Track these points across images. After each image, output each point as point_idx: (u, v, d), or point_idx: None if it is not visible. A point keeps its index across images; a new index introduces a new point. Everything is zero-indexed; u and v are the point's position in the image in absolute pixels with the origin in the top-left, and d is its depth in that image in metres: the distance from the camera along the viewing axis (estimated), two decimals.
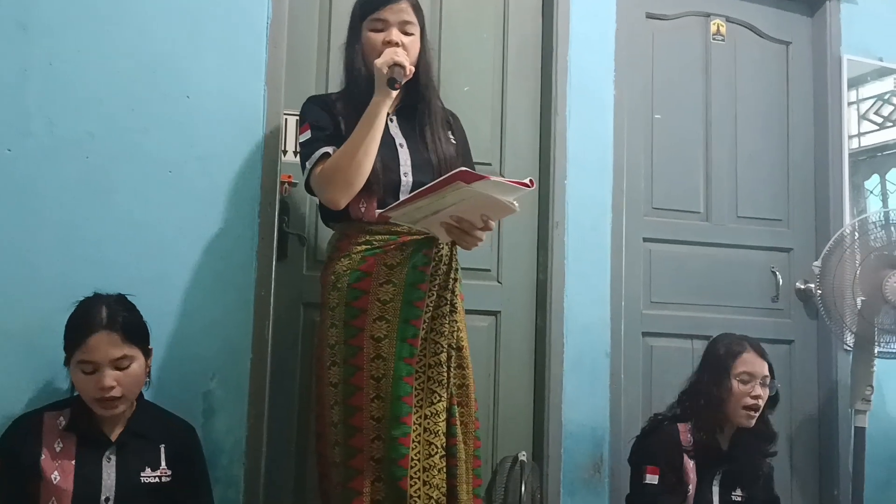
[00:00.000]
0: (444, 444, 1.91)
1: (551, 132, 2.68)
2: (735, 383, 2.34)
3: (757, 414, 2.33)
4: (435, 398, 1.90)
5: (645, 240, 2.87)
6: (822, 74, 3.14)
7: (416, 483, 1.83)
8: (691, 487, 2.32)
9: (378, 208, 1.93)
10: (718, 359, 2.39)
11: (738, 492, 2.38)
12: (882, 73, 3.27)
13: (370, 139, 1.88)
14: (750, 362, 2.36)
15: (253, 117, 2.31)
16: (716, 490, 2.36)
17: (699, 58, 3.02)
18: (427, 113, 2.04)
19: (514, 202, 1.78)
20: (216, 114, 2.28)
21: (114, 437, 1.89)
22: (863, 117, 3.29)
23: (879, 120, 3.36)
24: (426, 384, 1.90)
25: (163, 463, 1.91)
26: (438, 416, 1.89)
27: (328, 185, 1.91)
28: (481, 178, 1.69)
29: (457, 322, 1.99)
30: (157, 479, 1.89)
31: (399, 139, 2.00)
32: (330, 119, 1.98)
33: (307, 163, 1.96)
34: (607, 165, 2.77)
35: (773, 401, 2.40)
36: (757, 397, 2.32)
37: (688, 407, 2.38)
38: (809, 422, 3.04)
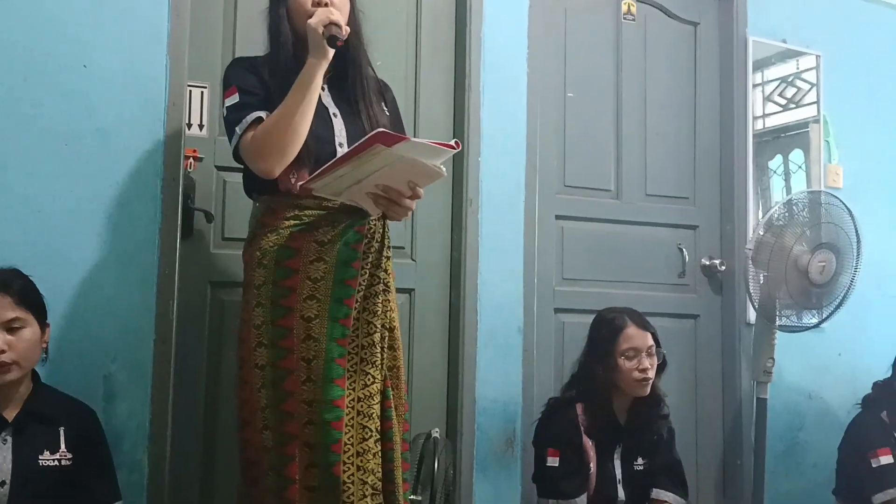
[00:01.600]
0: (379, 428, 1.86)
1: (465, 109, 2.67)
2: (622, 361, 2.35)
3: (649, 383, 2.36)
4: (368, 380, 1.85)
5: (557, 217, 2.90)
6: (729, 55, 3.22)
7: (349, 468, 1.79)
8: (592, 465, 2.35)
9: None
10: (602, 338, 2.40)
11: (640, 461, 2.43)
12: (786, 55, 3.38)
13: (306, 103, 1.78)
14: (633, 336, 2.37)
15: (155, 89, 2.21)
16: (617, 464, 2.40)
17: (610, 37, 3.05)
18: (359, 80, 1.95)
19: (441, 166, 1.73)
20: (116, 85, 2.18)
21: (10, 417, 1.80)
22: (767, 99, 3.39)
23: (783, 102, 3.47)
24: (359, 366, 1.85)
25: (62, 446, 1.83)
26: (372, 399, 1.84)
27: (261, 153, 1.80)
28: (401, 139, 1.62)
29: (389, 301, 1.94)
30: (56, 463, 1.81)
31: (332, 108, 1.92)
32: (259, 83, 1.87)
33: (237, 128, 1.83)
34: (520, 143, 2.78)
35: (659, 368, 2.41)
36: (645, 370, 2.34)
37: (580, 389, 2.40)
38: (714, 394, 3.14)
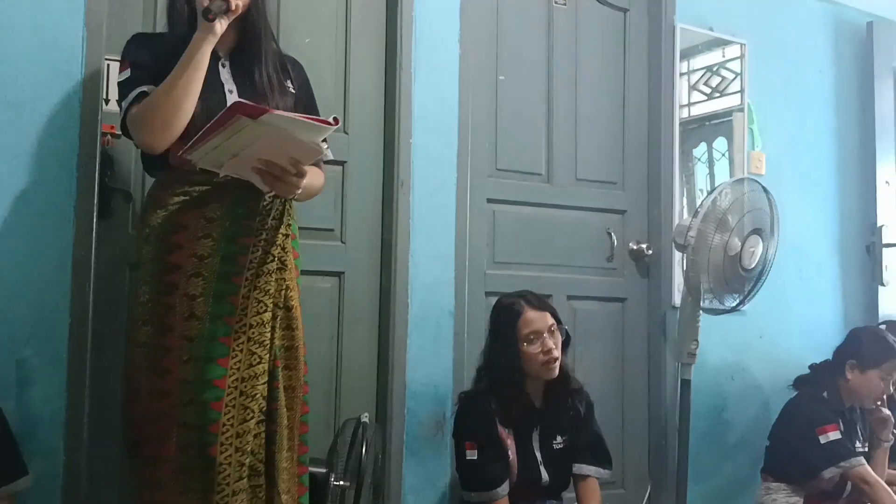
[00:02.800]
0: (264, 409, 1.82)
1: (396, 89, 2.64)
2: (525, 346, 2.31)
3: (557, 364, 2.33)
4: (255, 360, 1.80)
5: (489, 200, 2.89)
6: (657, 42, 3.26)
7: (227, 449, 1.74)
8: (511, 453, 2.34)
9: None
10: (502, 327, 2.36)
11: (559, 439, 2.42)
12: (712, 44, 3.44)
13: (189, 78, 1.75)
14: (532, 320, 2.32)
15: (71, 62, 2.12)
16: (536, 446, 2.39)
17: (542, 21, 3.05)
18: (257, 55, 1.91)
19: (322, 143, 1.70)
20: (29, 57, 2.07)
21: None
22: (693, 88, 3.45)
23: (708, 90, 3.54)
24: (246, 345, 1.79)
25: None
26: (257, 379, 1.80)
27: (143, 127, 1.78)
28: (262, 110, 1.58)
29: (286, 281, 1.89)
30: None
31: (229, 85, 1.88)
32: (152, 58, 1.84)
33: (123, 102, 1.82)
34: (453, 125, 2.76)
35: (564, 344, 2.38)
36: (549, 350, 2.31)
37: (490, 380, 2.37)
38: (639, 376, 3.19)
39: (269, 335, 1.83)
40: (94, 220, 2.12)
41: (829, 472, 2.74)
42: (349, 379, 2.56)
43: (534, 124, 3.02)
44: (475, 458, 2.30)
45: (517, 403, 2.36)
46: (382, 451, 2.39)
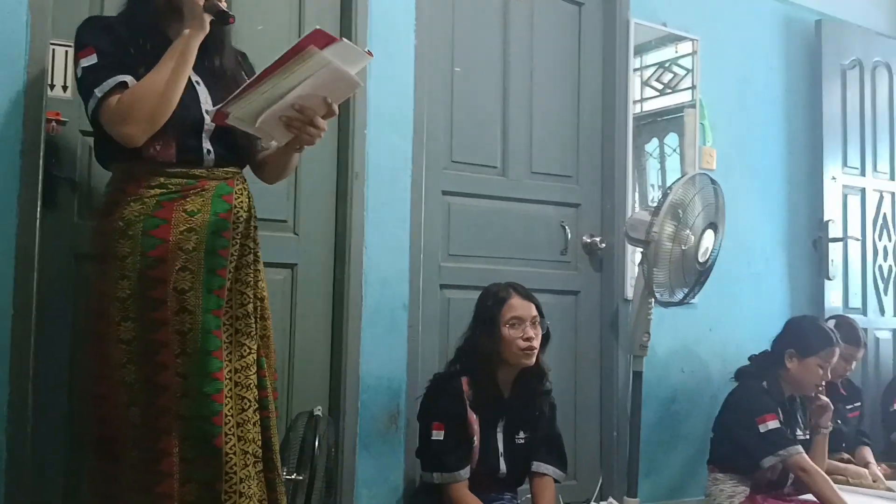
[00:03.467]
0: (257, 397, 1.85)
1: None
2: (506, 330, 2.37)
3: (534, 353, 2.39)
4: (245, 351, 1.84)
5: (444, 193, 2.89)
6: (612, 37, 3.28)
7: (231, 439, 1.76)
8: (476, 439, 2.37)
9: (177, 150, 1.79)
10: (487, 310, 2.42)
11: (521, 434, 2.46)
12: (665, 40, 3.48)
13: (179, 73, 1.75)
14: (517, 307, 2.40)
15: (14, 47, 2.05)
16: (500, 437, 2.43)
17: (498, 14, 3.05)
18: (219, 47, 1.91)
19: (357, 77, 1.73)
20: None
21: None
22: (645, 83, 3.49)
23: (660, 87, 3.58)
24: (235, 337, 1.83)
25: None
26: (249, 370, 1.84)
27: (128, 119, 1.73)
28: (334, 39, 1.60)
29: (260, 272, 1.93)
30: None
31: (195, 77, 1.86)
32: (116, 43, 1.79)
33: (96, 90, 1.75)
34: (408, 117, 2.74)
35: (544, 339, 2.45)
36: (529, 338, 2.37)
37: (466, 362, 2.41)
38: (592, 368, 3.22)
39: (254, 326, 1.86)
40: (39, 209, 2.05)
41: (769, 461, 2.79)
42: (302, 372, 2.53)
43: (489, 117, 3.02)
44: (441, 438, 2.32)
45: (488, 388, 2.39)
46: (335, 445, 2.37)
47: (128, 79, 1.76)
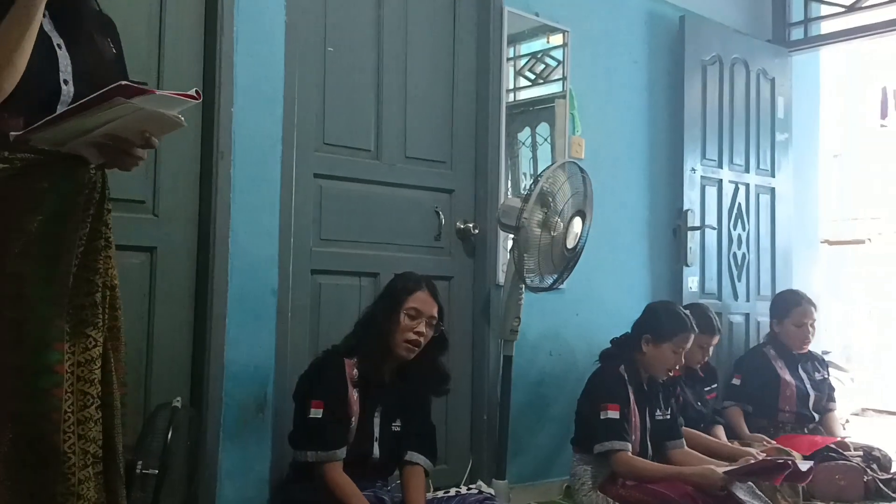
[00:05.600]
0: (100, 393, 1.70)
1: (216, 55, 2.50)
2: (403, 317, 2.39)
3: (417, 349, 2.41)
4: (90, 343, 1.67)
5: (316, 176, 2.82)
6: (486, 24, 3.29)
7: (70, 438, 1.61)
8: (354, 419, 2.35)
9: (28, 120, 1.58)
10: (394, 292, 2.45)
11: (398, 422, 2.46)
12: (538, 31, 3.52)
13: (27, 35, 1.54)
14: (421, 300, 2.42)
15: None
16: (376, 421, 2.42)
17: None
18: (79, 9, 1.73)
19: (180, 116, 1.58)
20: None
21: None
22: (518, 73, 3.53)
23: (532, 77, 3.63)
24: (79, 328, 1.66)
25: None
26: (93, 363, 1.67)
27: None
28: (145, 92, 1.47)
29: (110, 258, 1.76)
30: None
31: (56, 39, 1.67)
32: None
33: None
34: (278, 96, 2.66)
35: (440, 343, 2.50)
36: (420, 334, 2.39)
37: (360, 336, 2.42)
38: (464, 353, 3.24)
39: (101, 316, 1.70)
40: None
41: (598, 448, 2.87)
42: (161, 361, 2.42)
43: (363, 100, 2.96)
44: (319, 416, 2.29)
45: (373, 370, 2.38)
46: (196, 436, 2.27)
47: None
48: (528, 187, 3.01)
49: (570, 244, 2.93)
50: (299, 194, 2.73)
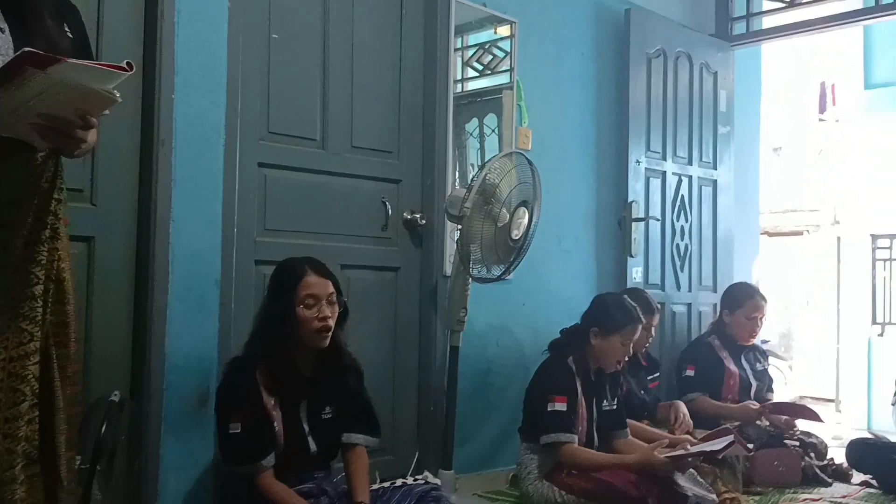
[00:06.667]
0: (36, 390, 1.63)
1: (157, 40, 2.44)
2: (301, 310, 2.27)
3: (329, 333, 2.31)
4: (25, 338, 1.60)
5: (260, 165, 2.78)
6: (433, 13, 3.27)
7: None
8: (277, 424, 2.29)
9: None
10: (282, 288, 2.32)
11: (328, 409, 2.40)
12: (485, 21, 3.53)
13: None
14: (312, 284, 2.29)
15: None
16: (304, 416, 2.36)
17: None
18: None
19: (115, 91, 1.52)
20: None
21: None
22: (466, 64, 3.52)
23: (480, 67, 3.63)
24: (14, 321, 1.59)
25: None
26: (28, 359, 1.60)
27: None
28: (57, 60, 1.39)
29: (59, 251, 1.68)
30: None
31: (0, 22, 1.60)
32: None
33: None
34: (221, 83, 2.61)
35: (341, 317, 2.37)
36: (325, 318, 2.29)
37: (262, 345, 2.30)
38: (411, 343, 3.24)
39: (41, 310, 1.62)
40: None
41: (545, 440, 2.88)
42: (100, 354, 2.35)
43: (308, 88, 2.93)
44: (238, 431, 2.23)
45: (286, 372, 2.30)
46: (136, 430, 2.23)
47: None
48: (475, 176, 3.01)
49: (516, 235, 2.94)
50: (243, 184, 2.69)
